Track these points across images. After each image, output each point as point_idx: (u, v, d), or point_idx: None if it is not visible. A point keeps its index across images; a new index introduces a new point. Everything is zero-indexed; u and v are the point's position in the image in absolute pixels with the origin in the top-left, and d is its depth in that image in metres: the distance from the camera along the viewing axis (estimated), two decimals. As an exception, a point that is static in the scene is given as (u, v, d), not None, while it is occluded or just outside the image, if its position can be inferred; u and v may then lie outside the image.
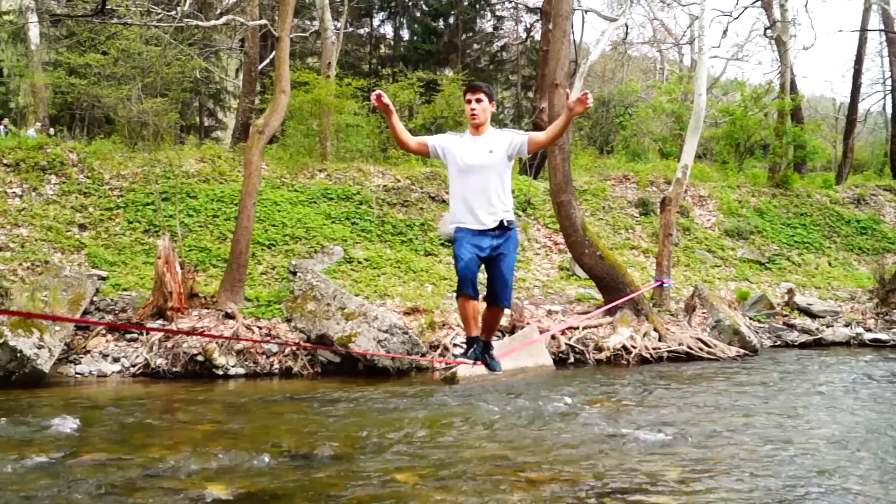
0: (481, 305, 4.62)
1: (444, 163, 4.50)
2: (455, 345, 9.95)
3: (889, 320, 12.53)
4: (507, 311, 4.77)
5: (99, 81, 16.11)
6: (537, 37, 21.22)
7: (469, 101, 4.39)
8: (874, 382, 8.78)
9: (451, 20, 25.77)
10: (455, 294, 4.49)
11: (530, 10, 24.70)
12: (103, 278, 10.68)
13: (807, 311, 12.76)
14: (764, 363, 10.20)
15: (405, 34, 27.73)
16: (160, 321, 9.50)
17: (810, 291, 14.07)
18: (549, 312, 11.40)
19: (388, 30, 28.72)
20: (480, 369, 9.07)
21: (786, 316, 12.67)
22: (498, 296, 4.48)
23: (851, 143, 22.46)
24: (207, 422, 6.73)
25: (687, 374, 9.33)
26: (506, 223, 4.37)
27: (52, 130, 18.81)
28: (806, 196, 17.83)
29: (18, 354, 7.90)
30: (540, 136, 4.37)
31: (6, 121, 18.86)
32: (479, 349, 4.54)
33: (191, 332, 9.21)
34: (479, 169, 4.32)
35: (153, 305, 9.61)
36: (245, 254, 10.49)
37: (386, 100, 4.12)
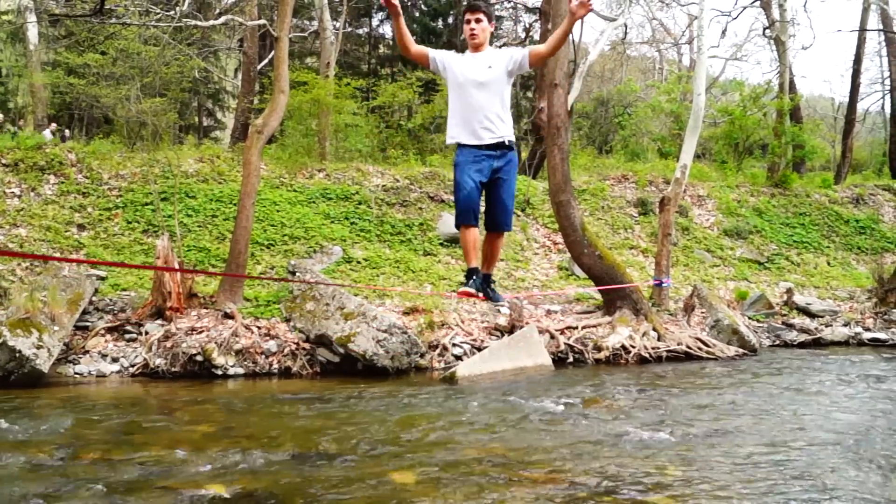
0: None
1: (442, 76, 4.46)
2: (454, 344, 9.95)
3: (888, 319, 12.54)
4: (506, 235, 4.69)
5: (98, 81, 16.11)
6: (536, 37, 21.23)
7: (468, 21, 4.34)
8: (873, 382, 8.79)
9: (451, 20, 25.76)
10: (457, 224, 4.44)
11: (529, 10, 24.69)
12: (102, 278, 10.67)
13: (806, 311, 12.77)
14: (763, 363, 10.20)
15: (404, 34, 27.71)
16: (159, 321, 9.50)
17: (809, 291, 14.08)
18: (549, 312, 11.41)
19: (386, 30, 28.71)
20: (479, 368, 9.05)
21: (785, 315, 12.68)
22: (498, 221, 4.45)
23: (850, 142, 22.48)
24: (206, 422, 6.73)
25: (686, 374, 9.33)
26: (507, 143, 4.33)
27: (67, 132, 18.70)
28: (805, 196, 17.85)
29: (17, 354, 7.89)
30: (540, 47, 4.35)
31: (53, 125, 18.72)
32: (479, 280, 4.49)
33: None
34: (478, 84, 4.27)
35: (152, 305, 9.60)
36: (244, 254, 10.48)
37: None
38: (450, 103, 4.45)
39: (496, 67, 4.29)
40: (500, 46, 28.32)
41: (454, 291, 4.64)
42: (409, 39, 4.30)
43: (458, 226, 4.45)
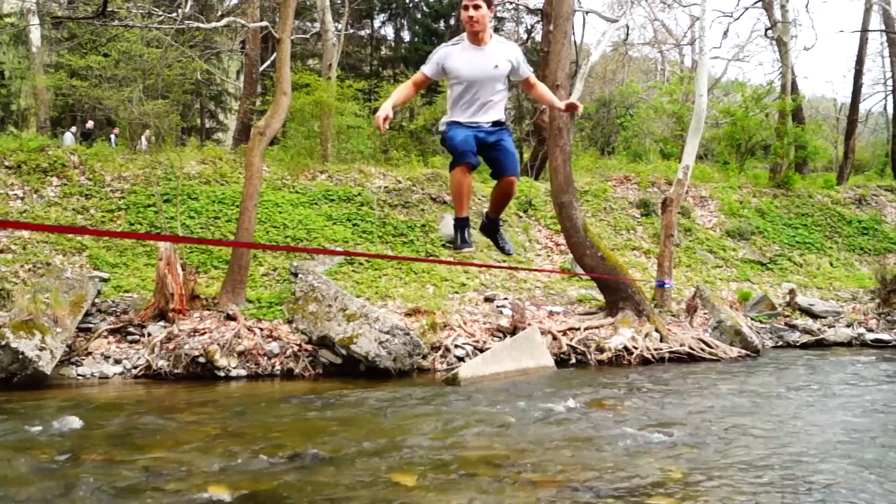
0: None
1: (445, 75, 4.20)
2: (457, 346, 9.95)
3: (891, 320, 12.52)
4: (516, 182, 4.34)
5: (100, 83, 16.14)
6: (538, 38, 21.24)
7: (466, 8, 4.07)
8: (876, 383, 8.77)
9: (452, 21, 25.75)
10: (450, 167, 4.16)
11: (531, 12, 24.70)
12: (105, 280, 10.69)
13: (808, 312, 12.75)
14: (766, 364, 10.19)
15: (406, 35, 27.76)
16: (162, 323, 9.51)
17: (812, 292, 14.06)
18: (551, 313, 11.39)
19: (388, 31, 28.76)
20: (482, 369, 9.02)
21: (787, 316, 12.66)
22: (508, 166, 4.19)
23: (853, 143, 22.46)
24: (209, 423, 6.73)
25: (688, 375, 9.32)
26: (499, 121, 4.22)
27: (90, 124, 18.55)
28: (807, 196, 17.82)
29: (20, 356, 7.90)
30: (535, 83, 4.28)
31: (117, 130, 18.75)
32: (468, 230, 4.26)
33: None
34: (483, 81, 4.13)
35: (155, 307, 9.61)
36: (246, 255, 10.49)
37: (383, 117, 3.93)
38: (451, 93, 4.23)
39: (501, 67, 4.17)
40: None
41: (457, 251, 4.46)
42: (404, 95, 4.17)
43: (453, 166, 4.14)
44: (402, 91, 4.20)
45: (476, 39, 4.12)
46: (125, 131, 17.74)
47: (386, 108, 3.95)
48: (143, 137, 17.92)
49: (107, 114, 17.96)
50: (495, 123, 4.20)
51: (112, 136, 18.10)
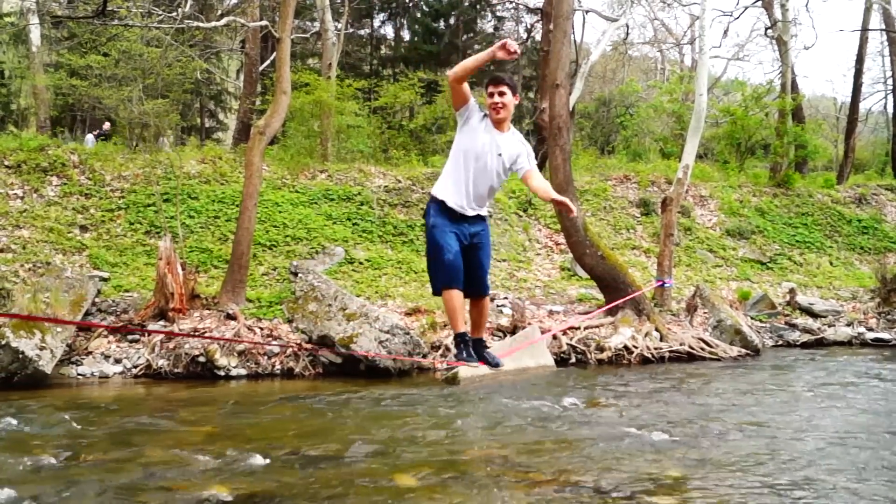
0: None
1: (461, 125, 4.28)
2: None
3: (891, 319, 12.52)
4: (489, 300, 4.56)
5: (100, 83, 16.12)
6: (538, 37, 21.23)
7: (492, 95, 4.20)
8: (876, 382, 8.77)
9: (452, 21, 25.76)
10: (439, 289, 4.26)
11: (531, 11, 24.68)
12: (105, 279, 10.69)
13: (808, 311, 12.75)
14: (766, 363, 10.19)
15: (406, 35, 27.74)
16: (162, 322, 9.51)
17: (812, 291, 14.06)
18: (551, 313, 11.39)
19: (388, 31, 28.74)
20: (481, 369, 9.07)
21: (787, 316, 12.66)
22: (481, 284, 4.36)
23: (853, 142, 22.45)
24: (209, 423, 6.73)
25: (689, 375, 9.32)
26: (482, 214, 4.37)
27: (107, 125, 18.54)
28: (807, 196, 17.82)
29: (20, 356, 7.90)
30: (533, 179, 4.29)
31: (107, 125, 18.72)
32: (471, 345, 4.39)
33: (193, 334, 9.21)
34: (487, 165, 4.23)
35: (155, 307, 9.61)
36: (246, 255, 10.49)
37: (512, 48, 3.93)
38: (454, 156, 4.29)
39: (504, 157, 4.23)
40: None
41: (446, 360, 4.64)
42: (467, 76, 4.14)
43: (440, 291, 4.25)
44: (469, 64, 4.13)
45: (499, 125, 4.24)
46: (124, 130, 17.73)
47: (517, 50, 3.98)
48: (90, 135, 17.99)
49: (107, 113, 17.94)
50: (478, 217, 4.33)
51: (90, 137, 18.02)
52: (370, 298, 10.83)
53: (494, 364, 4.49)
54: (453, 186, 4.27)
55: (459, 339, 4.37)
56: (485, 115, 4.26)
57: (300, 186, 14.34)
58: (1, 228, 11.47)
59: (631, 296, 10.31)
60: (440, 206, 4.28)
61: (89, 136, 18.18)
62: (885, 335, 12.02)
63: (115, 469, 5.13)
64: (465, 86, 4.17)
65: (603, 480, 4.97)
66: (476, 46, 27.07)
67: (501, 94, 4.18)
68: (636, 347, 10.24)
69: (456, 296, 4.24)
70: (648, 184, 17.12)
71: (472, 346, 4.43)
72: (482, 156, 4.21)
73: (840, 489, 4.81)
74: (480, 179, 4.24)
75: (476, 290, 4.38)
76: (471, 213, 4.29)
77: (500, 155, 4.23)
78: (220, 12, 20.34)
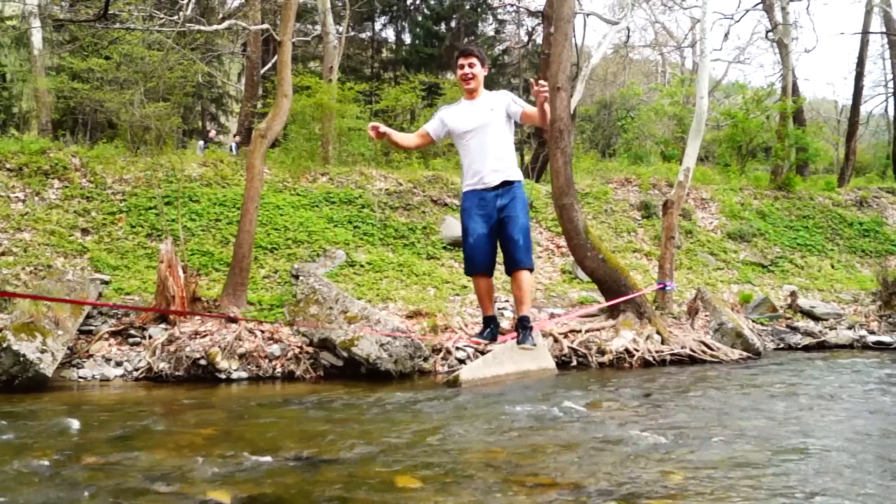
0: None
1: (451, 135, 4.47)
2: (458, 348, 9.94)
3: (892, 322, 12.51)
4: (529, 273, 4.40)
5: (101, 86, 16.16)
6: (539, 40, 21.27)
7: (462, 66, 4.35)
8: (877, 385, 8.75)
9: (453, 24, 25.82)
10: (468, 275, 4.50)
11: (532, 14, 24.72)
12: (106, 282, 10.69)
13: (810, 314, 12.74)
14: (767, 366, 10.17)
15: (407, 38, 27.81)
16: (163, 325, 9.51)
17: (813, 294, 14.05)
18: (552, 315, 11.39)
19: (389, 34, 28.81)
20: (483, 372, 9.04)
21: (789, 318, 12.65)
22: (514, 258, 4.33)
23: (854, 145, 22.46)
24: (210, 426, 6.73)
25: (690, 377, 9.31)
26: (509, 179, 4.36)
27: (212, 132, 18.69)
28: (808, 198, 17.81)
29: (21, 359, 7.90)
30: (532, 113, 4.35)
31: (213, 132, 18.91)
32: (496, 329, 4.52)
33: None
34: (480, 128, 4.31)
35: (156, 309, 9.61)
36: (247, 257, 10.50)
37: (382, 129, 4.11)
38: (460, 155, 4.48)
39: (497, 109, 4.33)
40: (502, 51, 28.40)
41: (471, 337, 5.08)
42: (408, 141, 4.39)
43: (467, 274, 4.47)
44: (405, 135, 4.46)
45: (471, 95, 4.38)
46: (125, 134, 17.77)
47: (385, 128, 4.16)
48: (201, 142, 18.14)
49: (108, 116, 17.96)
50: (504, 184, 4.31)
51: (201, 144, 18.25)
52: (371, 301, 10.83)
53: (521, 341, 4.56)
54: (467, 170, 4.43)
55: (485, 320, 4.55)
56: (451, 105, 4.51)
57: (301, 189, 14.35)
58: (2, 231, 11.48)
59: (631, 296, 10.30)
60: (466, 194, 4.45)
61: (200, 143, 18.37)
62: (886, 338, 12.01)
63: (115, 472, 5.12)
64: (418, 140, 4.46)
65: (604, 482, 4.96)
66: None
67: (471, 65, 4.33)
68: (637, 350, 10.23)
69: (478, 282, 4.42)
70: (649, 187, 17.12)
71: (517, 325, 4.53)
72: (470, 129, 4.36)
73: (841, 493, 4.80)
74: (482, 145, 4.34)
75: (511, 264, 4.37)
76: (493, 179, 4.31)
77: (491, 109, 4.33)
78: (221, 16, 20.41)
